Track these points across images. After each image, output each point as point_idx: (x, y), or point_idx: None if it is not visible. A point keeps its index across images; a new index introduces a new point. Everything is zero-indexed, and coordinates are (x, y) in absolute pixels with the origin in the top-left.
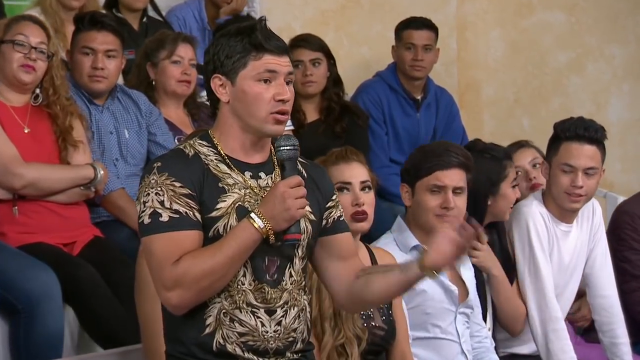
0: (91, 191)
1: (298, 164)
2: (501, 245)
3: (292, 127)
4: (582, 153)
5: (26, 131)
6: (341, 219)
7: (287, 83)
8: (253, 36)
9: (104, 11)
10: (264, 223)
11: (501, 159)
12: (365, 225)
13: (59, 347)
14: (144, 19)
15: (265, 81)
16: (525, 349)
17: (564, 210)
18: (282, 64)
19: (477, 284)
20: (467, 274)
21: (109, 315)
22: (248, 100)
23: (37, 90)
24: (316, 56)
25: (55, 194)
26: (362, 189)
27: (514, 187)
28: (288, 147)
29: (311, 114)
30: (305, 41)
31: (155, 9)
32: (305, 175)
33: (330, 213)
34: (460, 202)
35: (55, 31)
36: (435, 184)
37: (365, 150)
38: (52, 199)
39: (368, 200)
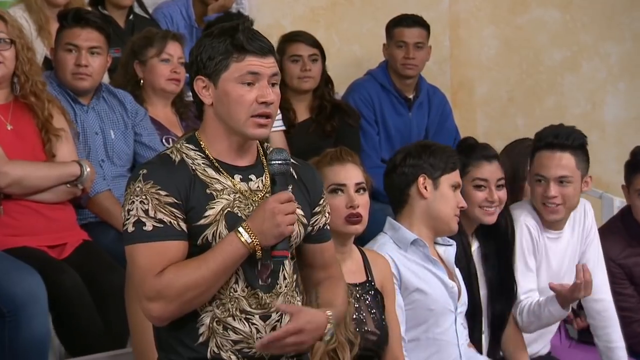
0: (78, 189)
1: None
2: (500, 258)
3: (283, 128)
4: (552, 162)
5: (9, 128)
6: (326, 227)
7: (273, 85)
8: (235, 37)
9: (89, 8)
10: (251, 238)
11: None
12: (359, 228)
13: (44, 351)
14: (130, 17)
15: (248, 83)
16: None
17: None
18: (265, 65)
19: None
20: (458, 271)
21: (87, 327)
22: (230, 103)
23: (15, 80)
24: (314, 52)
25: (41, 192)
26: (357, 190)
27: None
28: (279, 162)
29: (302, 113)
30: (302, 36)
31: (142, 6)
32: (295, 176)
33: (317, 220)
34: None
35: (40, 28)
36: (458, 182)
37: (357, 150)
38: (39, 198)
39: (363, 202)
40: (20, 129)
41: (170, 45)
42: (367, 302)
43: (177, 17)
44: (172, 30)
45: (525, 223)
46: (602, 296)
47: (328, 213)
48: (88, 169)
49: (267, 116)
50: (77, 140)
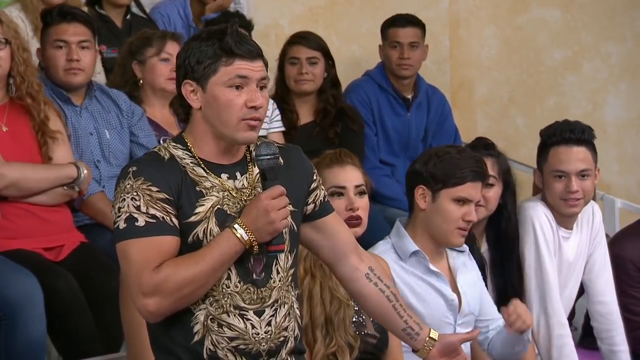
0: (75, 191)
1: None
2: (504, 264)
3: (282, 129)
4: (572, 156)
5: (5, 129)
6: (326, 199)
7: (261, 88)
8: (224, 41)
9: (85, 8)
10: (247, 235)
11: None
12: (359, 231)
13: (41, 355)
14: (128, 16)
15: (237, 87)
16: None
17: (563, 216)
18: (254, 69)
19: None
20: (466, 277)
21: (81, 332)
22: (219, 107)
23: (11, 81)
24: (313, 54)
25: (38, 194)
26: (357, 193)
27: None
28: (268, 157)
29: (305, 115)
30: (304, 38)
31: (139, 5)
32: (282, 162)
33: (316, 195)
34: (475, 215)
35: (36, 28)
36: (464, 197)
37: (361, 156)
38: (34, 200)
39: (362, 204)
40: (16, 131)
41: (169, 45)
42: None
43: (175, 17)
44: (170, 31)
45: (544, 213)
46: (606, 299)
47: (323, 187)
48: (85, 171)
49: (256, 120)
50: (70, 142)
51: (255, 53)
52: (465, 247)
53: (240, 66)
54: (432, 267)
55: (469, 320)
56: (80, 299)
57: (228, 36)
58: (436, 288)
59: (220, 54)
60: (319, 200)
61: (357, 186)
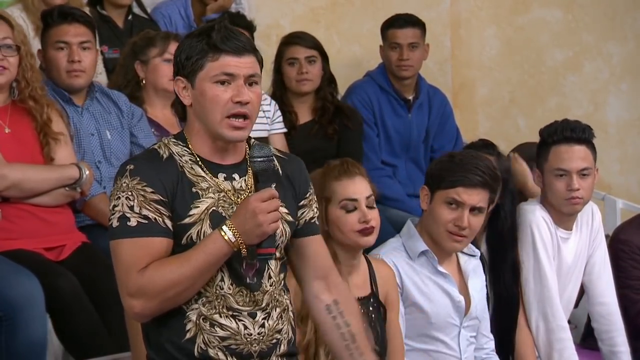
0: (77, 192)
1: (276, 163)
2: (499, 266)
3: (284, 130)
4: (573, 155)
5: (7, 131)
6: (312, 220)
7: (251, 84)
8: (210, 36)
9: (87, 8)
10: (235, 237)
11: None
12: (371, 239)
13: (42, 355)
14: (129, 17)
15: (223, 83)
16: None
17: (563, 215)
18: (241, 65)
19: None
20: (475, 282)
21: (86, 330)
22: (206, 103)
23: (14, 84)
24: (311, 54)
25: (40, 195)
26: (368, 205)
27: None
28: (261, 159)
29: (304, 115)
30: (300, 38)
31: (140, 6)
32: (281, 173)
33: (303, 213)
34: (475, 223)
35: (37, 28)
36: (454, 199)
37: (360, 154)
38: (36, 201)
39: (375, 215)
40: (19, 133)
41: (172, 45)
42: (369, 316)
43: (176, 17)
44: (173, 32)
45: (542, 216)
46: (607, 300)
47: (316, 208)
48: (87, 172)
49: (244, 117)
50: (72, 142)
51: (242, 48)
52: (477, 252)
53: (226, 62)
54: (440, 268)
55: (474, 325)
56: (82, 297)
57: (215, 32)
58: (443, 288)
59: (207, 49)
60: (304, 220)
61: (367, 197)
